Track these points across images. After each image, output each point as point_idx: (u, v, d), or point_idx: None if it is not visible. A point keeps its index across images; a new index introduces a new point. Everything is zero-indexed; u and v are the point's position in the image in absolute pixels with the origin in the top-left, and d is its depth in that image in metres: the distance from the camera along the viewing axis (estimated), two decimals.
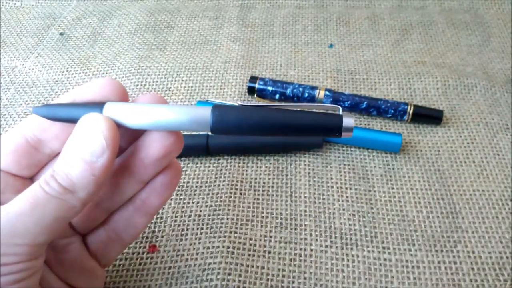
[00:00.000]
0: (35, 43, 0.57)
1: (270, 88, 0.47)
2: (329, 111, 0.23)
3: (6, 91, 0.50)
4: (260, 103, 0.24)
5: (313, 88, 0.46)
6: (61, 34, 0.58)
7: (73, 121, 0.23)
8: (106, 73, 0.51)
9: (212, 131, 0.23)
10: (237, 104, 0.24)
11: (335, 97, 0.46)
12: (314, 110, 0.24)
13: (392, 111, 0.45)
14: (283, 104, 0.23)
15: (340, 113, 0.23)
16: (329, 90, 0.46)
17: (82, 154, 0.21)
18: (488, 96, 0.48)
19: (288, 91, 0.46)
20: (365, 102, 0.45)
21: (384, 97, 0.48)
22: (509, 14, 0.61)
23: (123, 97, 0.25)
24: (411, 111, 0.44)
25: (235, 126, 0.23)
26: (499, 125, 0.45)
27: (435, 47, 0.56)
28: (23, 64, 0.53)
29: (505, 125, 0.45)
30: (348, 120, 0.22)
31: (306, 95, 0.46)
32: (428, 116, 0.45)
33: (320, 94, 0.46)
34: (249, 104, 0.23)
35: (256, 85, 0.47)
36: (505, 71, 0.52)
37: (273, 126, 0.23)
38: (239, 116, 0.23)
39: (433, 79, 0.49)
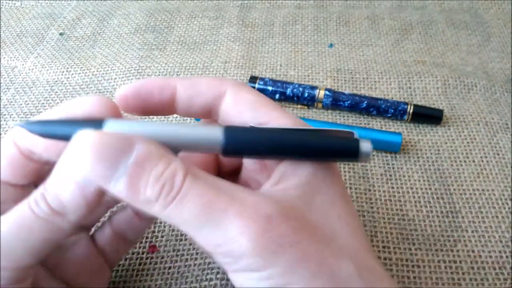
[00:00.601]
0: (35, 43, 0.57)
1: (270, 88, 0.47)
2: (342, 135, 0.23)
3: (6, 91, 0.50)
4: (273, 126, 0.23)
5: (313, 88, 0.46)
6: (61, 34, 0.58)
7: (67, 138, 0.20)
8: (106, 73, 0.51)
9: (224, 153, 0.21)
10: (248, 126, 0.23)
11: (335, 97, 0.46)
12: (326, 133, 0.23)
13: (392, 110, 0.45)
14: (295, 128, 0.23)
15: (356, 137, 0.23)
16: (329, 90, 0.46)
17: (74, 176, 0.19)
18: (488, 95, 0.48)
19: (288, 91, 0.46)
20: (365, 102, 0.45)
21: (384, 96, 0.48)
22: (509, 14, 0.61)
23: (117, 114, 0.23)
24: (411, 111, 0.44)
25: (249, 149, 0.22)
26: (499, 124, 0.45)
27: (435, 46, 0.56)
28: (23, 64, 0.53)
29: (505, 125, 0.45)
30: (366, 145, 0.22)
31: (306, 95, 0.46)
32: (428, 116, 0.45)
33: (320, 93, 0.46)
34: (262, 126, 0.23)
35: (256, 85, 0.47)
36: (505, 70, 0.52)
37: (289, 149, 0.22)
38: (254, 138, 0.22)
39: (433, 78, 0.49)
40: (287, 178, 0.22)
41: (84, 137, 0.19)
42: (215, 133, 0.21)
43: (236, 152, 0.22)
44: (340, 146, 0.22)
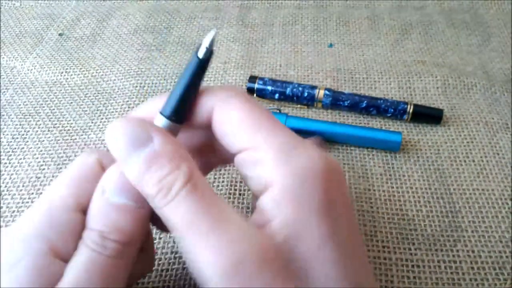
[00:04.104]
0: (34, 44, 0.57)
1: (269, 87, 0.47)
2: None
3: (4, 92, 0.49)
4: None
5: (313, 87, 0.46)
6: (60, 34, 0.58)
7: None
8: (105, 74, 0.51)
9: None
10: None
11: (335, 97, 0.45)
12: None
13: (392, 110, 0.44)
14: None
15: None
16: (328, 90, 0.46)
17: (127, 203, 0.21)
18: (488, 95, 0.48)
19: (288, 91, 0.46)
20: (365, 102, 0.45)
21: (384, 96, 0.48)
22: (509, 14, 0.61)
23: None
24: (411, 110, 0.44)
25: None
26: (499, 124, 0.44)
27: (435, 46, 0.55)
28: (21, 65, 0.53)
29: (504, 125, 0.44)
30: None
31: (306, 94, 0.46)
32: (428, 115, 0.45)
33: (320, 93, 0.46)
34: None
35: (256, 85, 0.47)
36: (504, 70, 0.52)
37: None
38: None
39: (433, 78, 0.49)
40: (273, 214, 0.20)
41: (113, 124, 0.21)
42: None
43: None
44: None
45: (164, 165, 0.20)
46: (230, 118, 0.22)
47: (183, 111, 0.23)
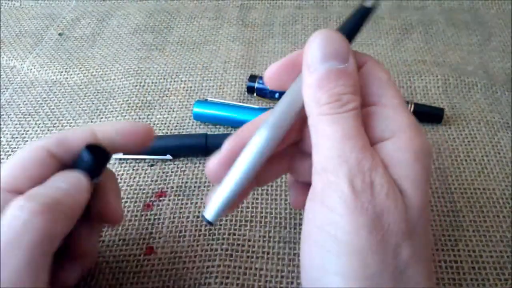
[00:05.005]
0: (34, 43, 0.57)
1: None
2: None
3: (4, 91, 0.49)
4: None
5: None
6: (60, 34, 0.58)
7: None
8: (105, 74, 0.51)
9: None
10: None
11: None
12: None
13: None
14: None
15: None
16: None
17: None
18: (489, 94, 0.48)
19: None
20: None
21: None
22: (509, 13, 0.61)
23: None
24: (412, 110, 0.44)
25: None
26: (500, 123, 0.44)
27: (436, 46, 0.55)
28: (21, 64, 0.53)
29: (505, 124, 0.44)
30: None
31: None
32: (429, 115, 0.44)
33: None
34: None
35: (256, 84, 0.47)
36: (505, 70, 0.52)
37: None
38: None
39: (434, 77, 0.49)
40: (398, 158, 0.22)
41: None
42: None
43: None
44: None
45: (349, 84, 0.22)
46: (380, 76, 0.24)
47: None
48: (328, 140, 0.21)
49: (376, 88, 0.23)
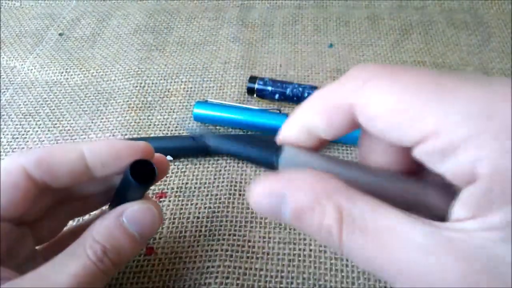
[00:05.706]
0: (34, 44, 0.57)
1: (269, 88, 0.47)
2: None
3: (4, 92, 0.49)
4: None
5: (313, 88, 0.46)
6: (60, 34, 0.58)
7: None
8: (105, 74, 0.51)
9: None
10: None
11: None
12: None
13: None
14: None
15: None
16: None
17: (135, 234, 0.24)
18: None
19: (288, 91, 0.46)
20: None
21: None
22: (509, 14, 0.61)
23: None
24: None
25: None
26: None
27: (435, 47, 0.55)
28: (22, 64, 0.53)
29: None
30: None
31: (306, 95, 0.46)
32: None
33: None
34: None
35: (256, 85, 0.47)
36: (505, 71, 0.52)
37: None
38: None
39: None
40: (488, 209, 0.15)
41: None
42: None
43: None
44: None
45: (312, 214, 0.18)
46: (383, 107, 0.17)
47: None
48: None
49: (394, 121, 0.18)
